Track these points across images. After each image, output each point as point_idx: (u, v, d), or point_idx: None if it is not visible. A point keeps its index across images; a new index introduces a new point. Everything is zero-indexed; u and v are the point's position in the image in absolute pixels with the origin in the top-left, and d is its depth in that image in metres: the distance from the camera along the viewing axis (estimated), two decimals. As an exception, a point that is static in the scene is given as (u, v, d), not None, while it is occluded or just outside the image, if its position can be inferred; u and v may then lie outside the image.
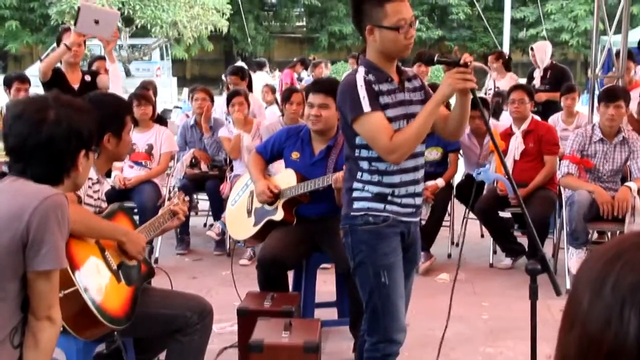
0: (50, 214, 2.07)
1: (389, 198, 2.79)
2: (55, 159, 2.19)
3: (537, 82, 7.90)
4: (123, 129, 3.01)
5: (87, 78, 5.75)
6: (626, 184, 5.12)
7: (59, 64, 5.70)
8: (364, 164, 2.80)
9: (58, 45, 5.71)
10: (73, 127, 2.20)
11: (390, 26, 2.69)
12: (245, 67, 8.73)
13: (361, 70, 2.76)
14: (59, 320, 2.17)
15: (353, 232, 2.82)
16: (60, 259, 2.12)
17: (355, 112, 2.70)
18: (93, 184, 2.95)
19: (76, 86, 5.63)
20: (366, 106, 2.68)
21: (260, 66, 13.81)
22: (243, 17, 23.99)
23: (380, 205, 2.79)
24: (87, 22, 4.96)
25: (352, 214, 2.82)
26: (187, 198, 3.49)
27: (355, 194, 2.83)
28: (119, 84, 5.56)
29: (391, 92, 2.78)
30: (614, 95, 5.21)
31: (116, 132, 2.98)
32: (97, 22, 4.92)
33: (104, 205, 3.06)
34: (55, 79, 5.52)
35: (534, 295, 2.57)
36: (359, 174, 2.82)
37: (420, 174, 2.89)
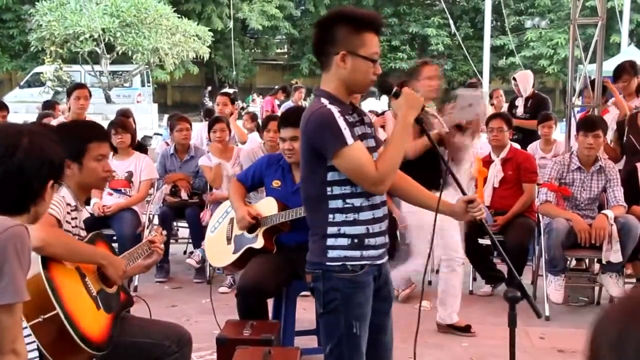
0: (8, 246, 1.98)
1: (366, 241, 2.65)
2: (24, 187, 2.13)
3: (520, 111, 8.02)
4: (83, 155, 2.95)
5: None
6: (603, 211, 5.17)
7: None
8: (337, 203, 2.63)
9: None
10: (45, 156, 2.16)
11: (367, 56, 2.60)
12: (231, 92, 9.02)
13: (325, 102, 2.60)
14: (24, 353, 2.11)
15: (327, 279, 2.65)
16: (20, 292, 2.01)
17: (337, 145, 2.54)
18: (71, 210, 2.93)
19: None
20: (349, 138, 2.54)
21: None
22: (229, 43, 24.11)
23: (357, 253, 2.65)
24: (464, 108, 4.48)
25: (327, 263, 2.64)
26: (164, 232, 3.47)
27: (329, 241, 2.64)
28: None
29: (356, 125, 2.67)
30: (592, 125, 5.28)
31: (74, 158, 2.93)
32: (470, 105, 4.48)
33: (83, 233, 3.04)
34: None
35: (512, 323, 2.58)
36: (331, 215, 2.63)
37: (386, 209, 2.78)
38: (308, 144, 2.64)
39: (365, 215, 2.65)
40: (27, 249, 2.05)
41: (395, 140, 2.63)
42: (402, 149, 2.63)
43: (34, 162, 2.12)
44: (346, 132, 2.55)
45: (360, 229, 2.65)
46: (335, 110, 2.57)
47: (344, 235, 2.64)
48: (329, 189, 2.63)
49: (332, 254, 2.65)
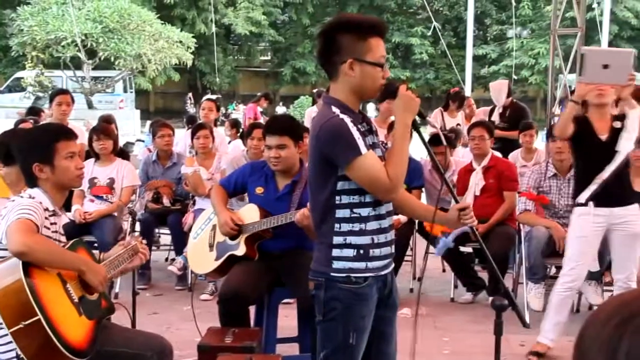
0: None
1: (371, 252, 2.65)
2: None
3: (496, 119, 8.07)
4: (53, 156, 2.95)
5: None
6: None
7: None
8: (345, 212, 2.62)
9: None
10: None
11: (375, 62, 2.58)
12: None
13: (336, 111, 2.58)
14: None
15: (329, 288, 2.64)
16: None
17: (352, 155, 2.52)
18: (50, 215, 2.92)
19: None
20: (362, 147, 2.53)
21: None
22: (215, 49, 24.09)
23: (362, 265, 2.64)
24: (594, 69, 4.29)
25: (331, 274, 2.63)
26: (144, 241, 3.47)
27: (335, 252, 2.63)
28: None
29: (367, 134, 2.65)
30: None
31: (44, 160, 2.94)
32: (606, 66, 4.26)
33: (63, 239, 3.03)
34: None
35: (498, 332, 2.60)
36: (337, 225, 2.62)
37: (391, 220, 2.77)
38: (319, 153, 2.62)
39: (372, 225, 2.65)
40: None
41: (398, 144, 2.63)
42: (406, 153, 2.64)
43: None
44: (360, 142, 2.54)
45: (366, 239, 2.64)
46: (348, 119, 2.56)
47: (349, 246, 2.63)
48: (337, 198, 2.62)
49: (337, 264, 2.64)
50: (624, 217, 4.34)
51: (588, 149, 4.34)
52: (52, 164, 2.95)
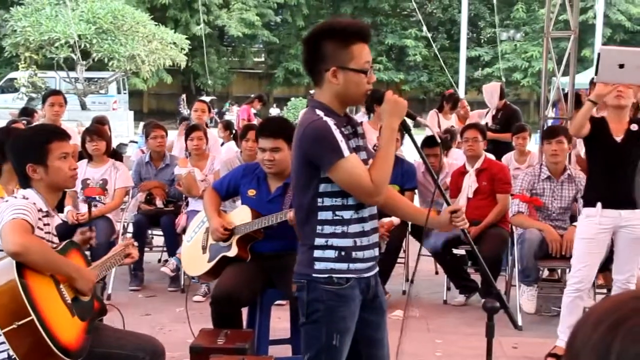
0: None
1: (353, 254, 2.65)
2: None
3: (488, 121, 8.09)
4: (46, 157, 2.95)
5: None
6: (574, 223, 5.23)
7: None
8: (327, 215, 2.63)
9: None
10: None
11: (358, 69, 2.58)
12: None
13: (320, 113, 2.59)
14: None
15: (312, 289, 2.65)
16: None
17: (335, 157, 2.53)
18: (43, 216, 2.91)
19: None
20: (345, 150, 2.54)
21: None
22: (205, 51, 24.07)
23: (344, 266, 2.64)
24: (609, 68, 4.22)
25: (313, 275, 2.64)
26: (135, 243, 3.47)
27: (317, 253, 2.64)
28: None
29: (350, 137, 2.67)
30: (554, 132, 5.40)
31: (38, 161, 2.94)
32: (621, 66, 4.18)
33: (56, 239, 3.03)
34: None
35: (490, 334, 2.61)
36: (319, 227, 2.63)
37: (375, 223, 2.77)
38: (303, 155, 2.62)
39: (354, 228, 2.65)
40: None
41: (383, 148, 2.64)
42: (391, 157, 2.64)
43: None
44: (342, 145, 2.55)
45: (348, 242, 2.64)
46: (331, 122, 2.57)
47: (331, 247, 2.64)
48: (320, 200, 2.63)
49: (318, 265, 2.64)
50: (631, 220, 4.36)
51: (602, 150, 4.36)
52: (46, 164, 2.94)
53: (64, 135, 3.12)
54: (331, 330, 2.64)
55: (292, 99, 26.09)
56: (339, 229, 2.63)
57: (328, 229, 2.63)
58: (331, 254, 2.63)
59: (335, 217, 2.63)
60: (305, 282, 2.66)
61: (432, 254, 5.86)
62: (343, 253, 2.64)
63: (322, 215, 2.63)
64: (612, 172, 4.33)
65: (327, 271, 2.63)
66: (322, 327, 2.65)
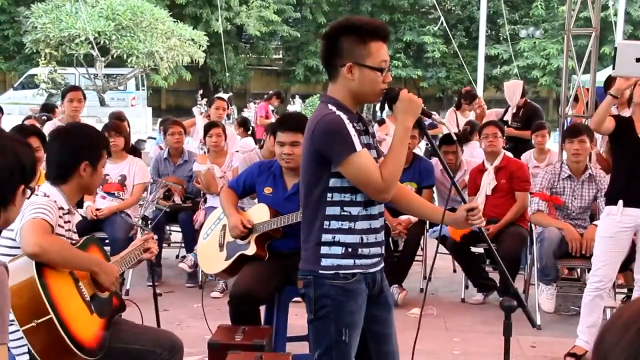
0: None
1: (359, 251, 2.65)
2: None
3: (508, 119, 8.03)
4: (99, 160, 3.04)
5: None
6: (594, 222, 5.19)
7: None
8: (335, 210, 2.63)
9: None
10: (18, 159, 2.06)
11: (374, 66, 2.58)
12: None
13: (333, 108, 2.60)
14: None
15: (319, 285, 2.65)
16: (1, 334, 1.86)
17: (347, 152, 2.53)
18: (64, 214, 2.93)
19: None
20: (357, 145, 2.54)
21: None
22: (223, 48, 24.10)
23: (350, 262, 2.64)
24: (627, 63, 4.24)
25: (320, 271, 2.64)
26: (155, 237, 3.50)
27: (323, 249, 2.64)
28: None
29: (361, 134, 2.66)
30: (577, 131, 5.33)
31: (93, 162, 3.00)
32: (639, 60, 4.19)
33: (75, 237, 3.04)
34: None
35: (508, 332, 2.59)
36: (326, 222, 2.63)
37: (383, 221, 2.78)
38: (314, 149, 2.62)
39: (361, 224, 2.65)
40: (5, 289, 1.90)
41: (396, 146, 2.63)
42: (403, 155, 2.64)
43: (5, 168, 2.03)
44: (355, 139, 2.55)
45: (355, 238, 2.64)
46: (344, 117, 2.57)
47: (338, 244, 2.64)
48: (329, 195, 2.63)
49: (325, 262, 2.64)
50: None
51: (626, 148, 4.34)
52: (96, 167, 3.03)
53: (109, 144, 3.33)
54: (340, 326, 2.65)
55: (311, 95, 26.07)
56: (345, 225, 2.64)
57: (335, 224, 2.64)
58: (338, 250, 2.64)
59: (342, 213, 2.63)
60: (312, 278, 2.67)
61: (450, 251, 5.82)
62: (350, 249, 2.64)
63: (330, 210, 2.63)
64: (635, 170, 4.30)
65: (333, 267, 2.64)
66: (331, 322, 2.65)
